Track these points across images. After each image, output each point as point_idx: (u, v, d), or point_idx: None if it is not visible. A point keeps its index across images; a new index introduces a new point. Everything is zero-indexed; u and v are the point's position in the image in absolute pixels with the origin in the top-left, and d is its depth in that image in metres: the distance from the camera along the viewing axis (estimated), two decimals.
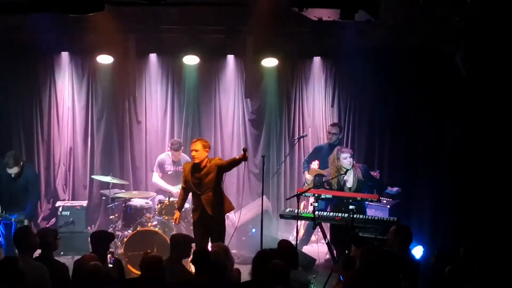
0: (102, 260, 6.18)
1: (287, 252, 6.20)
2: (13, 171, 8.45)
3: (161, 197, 9.29)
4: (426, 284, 6.11)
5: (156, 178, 9.73)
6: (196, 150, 7.67)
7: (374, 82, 10.02)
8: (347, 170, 8.25)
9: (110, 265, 6.35)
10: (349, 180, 8.34)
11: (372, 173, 8.80)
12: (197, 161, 7.70)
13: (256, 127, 10.55)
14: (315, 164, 9.54)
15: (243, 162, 7.48)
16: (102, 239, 6.60)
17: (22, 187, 8.51)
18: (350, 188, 8.29)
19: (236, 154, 10.35)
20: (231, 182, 10.22)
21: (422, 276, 6.38)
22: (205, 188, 7.68)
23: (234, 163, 7.67)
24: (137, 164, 10.42)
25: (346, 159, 8.28)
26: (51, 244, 6.46)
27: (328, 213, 8.09)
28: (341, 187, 8.31)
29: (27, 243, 6.18)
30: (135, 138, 10.45)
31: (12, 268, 5.42)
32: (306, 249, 9.05)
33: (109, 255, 6.40)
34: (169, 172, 9.69)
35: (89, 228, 9.59)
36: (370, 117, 10.17)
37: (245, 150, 7.39)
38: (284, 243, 6.45)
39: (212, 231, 7.67)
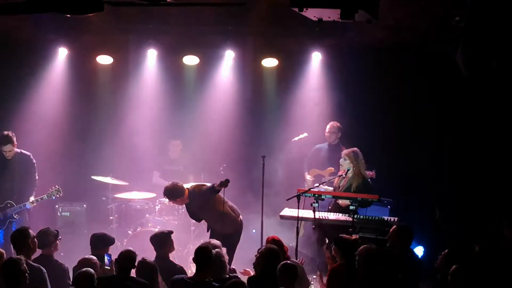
0: (100, 262, 6.17)
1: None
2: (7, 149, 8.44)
3: (161, 197, 9.27)
4: (432, 284, 6.09)
5: (157, 178, 9.71)
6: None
7: (374, 82, 10.01)
8: (348, 170, 8.24)
9: (107, 267, 6.32)
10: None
11: (368, 172, 8.80)
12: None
13: (256, 127, 10.54)
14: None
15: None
16: (102, 242, 6.58)
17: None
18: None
19: (235, 154, 10.34)
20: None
21: (424, 276, 6.38)
22: (198, 219, 8.06)
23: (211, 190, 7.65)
24: (137, 164, 10.40)
25: (340, 159, 8.32)
26: (51, 245, 6.46)
27: (328, 213, 8.07)
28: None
29: (25, 245, 6.16)
30: (135, 138, 10.43)
31: (16, 269, 5.41)
32: (305, 249, 9.04)
33: (106, 257, 6.36)
34: (168, 172, 9.68)
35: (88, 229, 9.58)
36: (370, 117, 10.15)
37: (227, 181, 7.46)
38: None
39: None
